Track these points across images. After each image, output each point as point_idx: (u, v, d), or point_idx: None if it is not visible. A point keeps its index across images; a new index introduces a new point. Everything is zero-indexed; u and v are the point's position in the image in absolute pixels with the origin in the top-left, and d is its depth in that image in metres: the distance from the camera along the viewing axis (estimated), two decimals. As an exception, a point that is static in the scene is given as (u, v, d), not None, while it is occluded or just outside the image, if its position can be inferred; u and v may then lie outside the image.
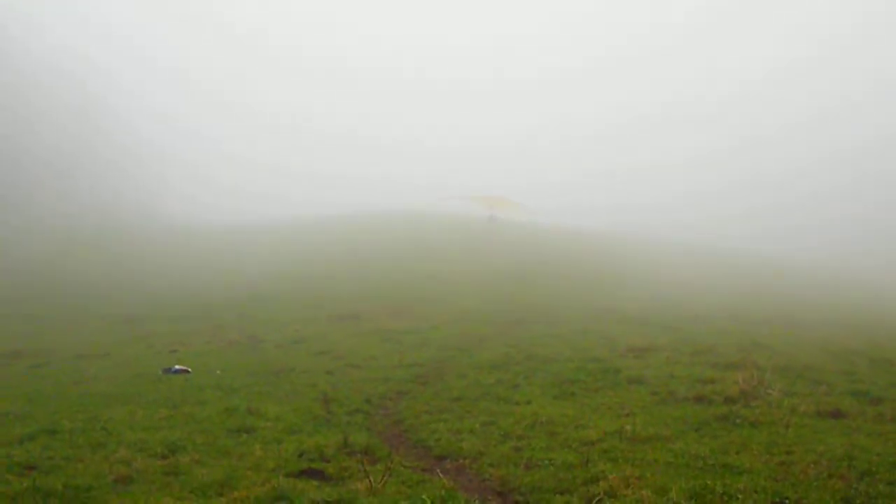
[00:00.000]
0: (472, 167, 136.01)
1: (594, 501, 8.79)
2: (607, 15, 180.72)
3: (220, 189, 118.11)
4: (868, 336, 25.47)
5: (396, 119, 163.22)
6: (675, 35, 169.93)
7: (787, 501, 8.58)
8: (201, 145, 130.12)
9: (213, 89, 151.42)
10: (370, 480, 9.46)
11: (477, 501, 9.19)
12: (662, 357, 19.39)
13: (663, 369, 17.51)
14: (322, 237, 66.01)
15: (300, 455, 11.01)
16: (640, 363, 18.54)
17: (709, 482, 9.08)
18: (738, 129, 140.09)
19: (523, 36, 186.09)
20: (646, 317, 30.08)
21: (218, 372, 18.58)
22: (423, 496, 8.97)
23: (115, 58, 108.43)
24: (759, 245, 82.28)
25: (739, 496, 8.69)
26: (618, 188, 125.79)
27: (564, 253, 55.06)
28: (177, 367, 18.91)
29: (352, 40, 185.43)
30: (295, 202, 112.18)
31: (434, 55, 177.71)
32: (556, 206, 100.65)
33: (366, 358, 20.55)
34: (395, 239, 60.86)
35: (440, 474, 10.21)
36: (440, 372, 18.54)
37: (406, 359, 20.37)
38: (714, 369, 17.39)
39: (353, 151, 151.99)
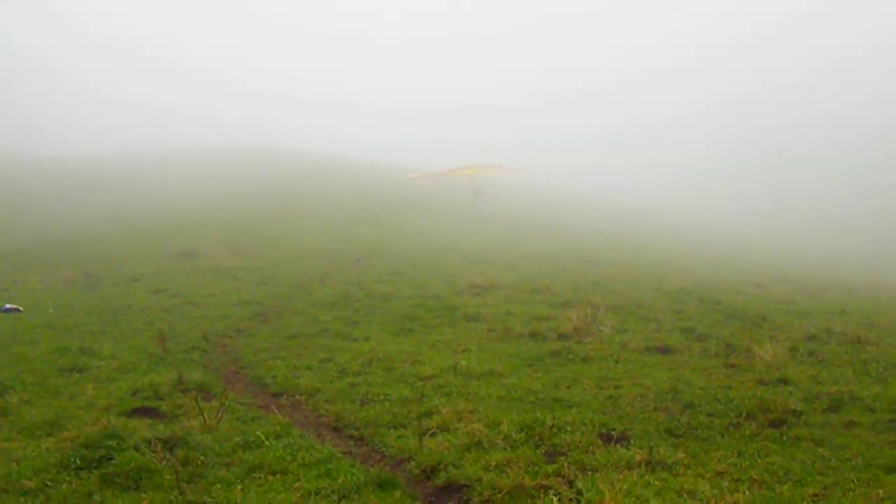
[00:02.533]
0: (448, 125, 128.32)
1: (427, 434, 8.92)
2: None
3: (75, 125, 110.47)
4: (702, 278, 26.46)
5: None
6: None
7: (613, 433, 8.88)
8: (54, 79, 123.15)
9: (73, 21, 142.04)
10: (204, 417, 9.35)
11: (311, 436, 9.21)
12: (500, 295, 19.77)
13: (501, 307, 17.91)
14: (171, 172, 63.55)
15: (134, 393, 10.84)
16: (478, 301, 18.88)
17: (539, 415, 9.32)
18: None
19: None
20: (489, 256, 30.53)
21: (51, 310, 18.05)
22: (258, 432, 8.93)
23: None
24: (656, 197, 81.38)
25: (568, 428, 8.94)
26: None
27: (419, 191, 54.73)
28: (7, 305, 18.32)
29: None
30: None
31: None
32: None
33: (204, 296, 20.24)
34: (248, 179, 59.54)
35: (275, 411, 10.19)
36: (279, 310, 18.45)
37: (245, 296, 20.14)
38: (550, 307, 17.87)
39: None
